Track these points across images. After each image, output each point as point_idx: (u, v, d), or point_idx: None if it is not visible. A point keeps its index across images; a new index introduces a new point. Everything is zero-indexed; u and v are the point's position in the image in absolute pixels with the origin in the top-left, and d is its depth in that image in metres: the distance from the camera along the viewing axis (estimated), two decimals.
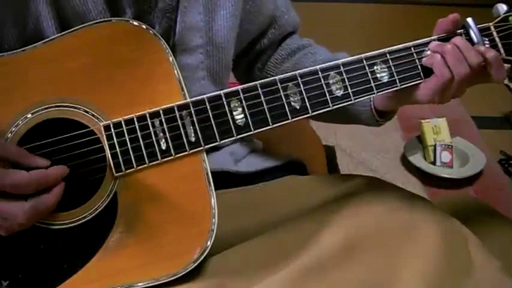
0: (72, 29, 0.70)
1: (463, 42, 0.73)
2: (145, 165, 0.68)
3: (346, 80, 0.72)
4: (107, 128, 0.68)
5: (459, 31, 0.75)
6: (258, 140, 1.03)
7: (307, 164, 0.98)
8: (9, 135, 0.67)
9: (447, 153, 1.41)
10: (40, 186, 0.63)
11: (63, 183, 0.66)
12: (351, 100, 0.72)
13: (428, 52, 0.74)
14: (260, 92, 0.70)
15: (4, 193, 0.62)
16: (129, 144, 0.68)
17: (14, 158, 0.65)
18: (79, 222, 0.67)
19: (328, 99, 0.72)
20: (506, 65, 0.75)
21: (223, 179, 0.83)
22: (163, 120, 0.69)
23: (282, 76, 0.71)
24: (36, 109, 0.68)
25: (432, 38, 0.75)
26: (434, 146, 1.42)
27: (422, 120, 1.46)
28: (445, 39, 0.75)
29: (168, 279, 0.66)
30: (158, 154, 0.68)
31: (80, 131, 0.68)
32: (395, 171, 1.43)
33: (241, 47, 0.91)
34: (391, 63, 0.73)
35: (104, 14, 0.73)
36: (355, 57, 0.73)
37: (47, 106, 0.68)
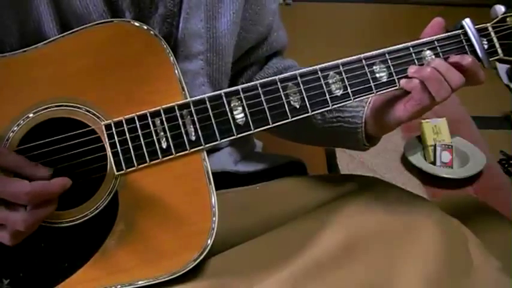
0: (73, 30, 0.70)
1: (442, 63, 0.71)
2: (146, 164, 0.68)
3: (345, 79, 0.72)
4: (108, 127, 0.68)
5: (457, 32, 0.75)
6: (258, 140, 1.03)
7: (307, 164, 0.98)
8: (11, 134, 0.67)
9: (447, 153, 1.41)
10: (41, 198, 0.62)
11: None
12: (350, 100, 0.72)
13: (427, 52, 0.74)
14: (260, 92, 0.71)
15: (4, 201, 0.61)
16: (130, 143, 0.68)
17: (13, 168, 0.64)
18: (80, 221, 0.67)
19: (328, 99, 0.72)
20: (506, 65, 0.75)
21: (223, 179, 0.83)
22: (164, 119, 0.69)
23: (281, 76, 0.71)
24: (38, 109, 0.68)
25: (431, 38, 0.74)
26: (434, 146, 1.42)
27: (422, 120, 1.46)
28: (443, 39, 0.75)
29: (169, 278, 0.66)
30: (159, 153, 0.68)
31: (81, 130, 0.68)
32: (395, 171, 1.43)
33: (236, 57, 0.90)
34: (390, 63, 0.73)
35: (104, 16, 0.74)
36: (355, 57, 0.73)
37: (48, 106, 0.68)
